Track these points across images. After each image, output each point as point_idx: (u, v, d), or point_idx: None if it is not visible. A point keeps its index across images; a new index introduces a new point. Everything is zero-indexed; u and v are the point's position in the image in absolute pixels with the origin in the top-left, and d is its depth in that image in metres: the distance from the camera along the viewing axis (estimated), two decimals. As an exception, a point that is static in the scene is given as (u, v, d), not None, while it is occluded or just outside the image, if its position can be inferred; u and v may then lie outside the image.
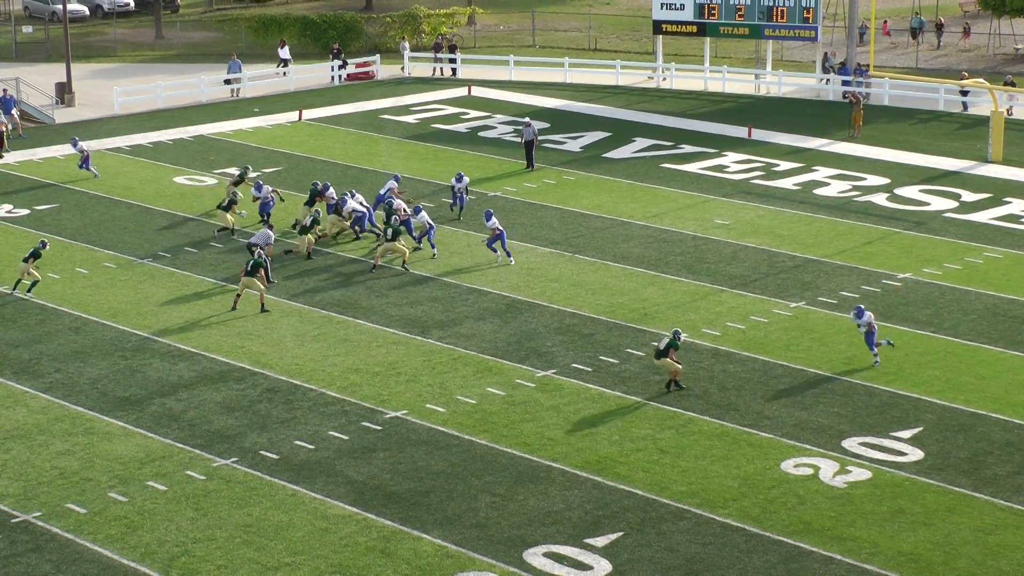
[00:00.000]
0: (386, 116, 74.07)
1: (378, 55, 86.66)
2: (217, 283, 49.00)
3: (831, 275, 48.84)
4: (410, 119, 73.51)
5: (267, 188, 54.63)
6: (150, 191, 60.33)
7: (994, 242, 52.02)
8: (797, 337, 43.56)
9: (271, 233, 50.05)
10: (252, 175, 58.77)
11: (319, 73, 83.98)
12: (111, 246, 53.08)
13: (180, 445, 37.38)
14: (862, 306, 41.11)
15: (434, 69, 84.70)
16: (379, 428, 38.16)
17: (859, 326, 40.95)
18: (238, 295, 46.31)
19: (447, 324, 44.91)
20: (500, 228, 49.21)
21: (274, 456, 36.70)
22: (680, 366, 39.37)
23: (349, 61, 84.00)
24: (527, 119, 64.23)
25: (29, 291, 47.53)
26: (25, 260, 47.41)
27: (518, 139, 64.41)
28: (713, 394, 39.53)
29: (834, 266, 49.77)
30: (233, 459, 36.61)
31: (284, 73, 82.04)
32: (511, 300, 46.57)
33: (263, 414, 39.08)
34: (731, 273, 49.20)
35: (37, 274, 47.72)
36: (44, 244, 48.27)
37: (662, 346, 39.38)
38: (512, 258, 49.53)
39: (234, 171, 60.70)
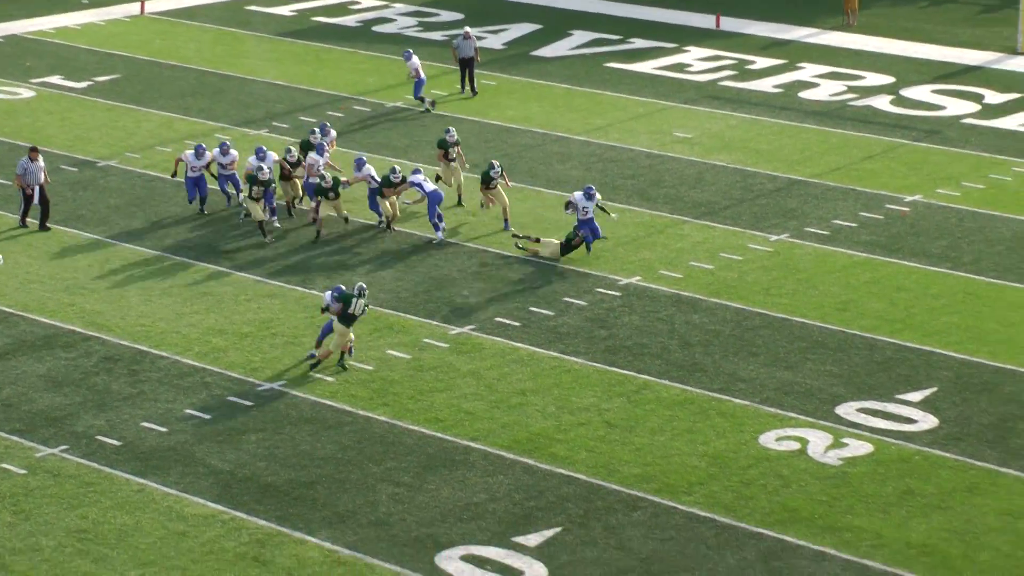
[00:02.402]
0: (253, 8, 74.00)
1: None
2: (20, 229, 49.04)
3: (822, 199, 49.34)
4: (284, 11, 73.46)
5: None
6: (-49, 109, 60.21)
7: (1026, 154, 52.80)
8: (779, 278, 44.03)
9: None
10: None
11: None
12: (-98, 180, 52.99)
13: (-5, 431, 37.57)
14: (594, 187, 46.25)
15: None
16: (250, 404, 38.34)
17: (576, 207, 45.52)
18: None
19: (335, 270, 45.06)
20: (375, 177, 48.67)
21: (115, 442, 36.81)
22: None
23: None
24: (466, 29, 62.31)
25: None
26: None
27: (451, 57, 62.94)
28: (674, 351, 39.93)
29: (825, 188, 50.28)
30: (62, 447, 36.72)
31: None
32: (417, 240, 46.71)
33: (100, 389, 39.17)
34: (696, 199, 49.60)
35: None
36: None
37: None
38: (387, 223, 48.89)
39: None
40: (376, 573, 31.70)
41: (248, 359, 40.43)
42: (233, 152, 50.32)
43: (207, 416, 37.82)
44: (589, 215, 44.86)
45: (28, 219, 48.82)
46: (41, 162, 48.46)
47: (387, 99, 59.95)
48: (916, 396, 37.71)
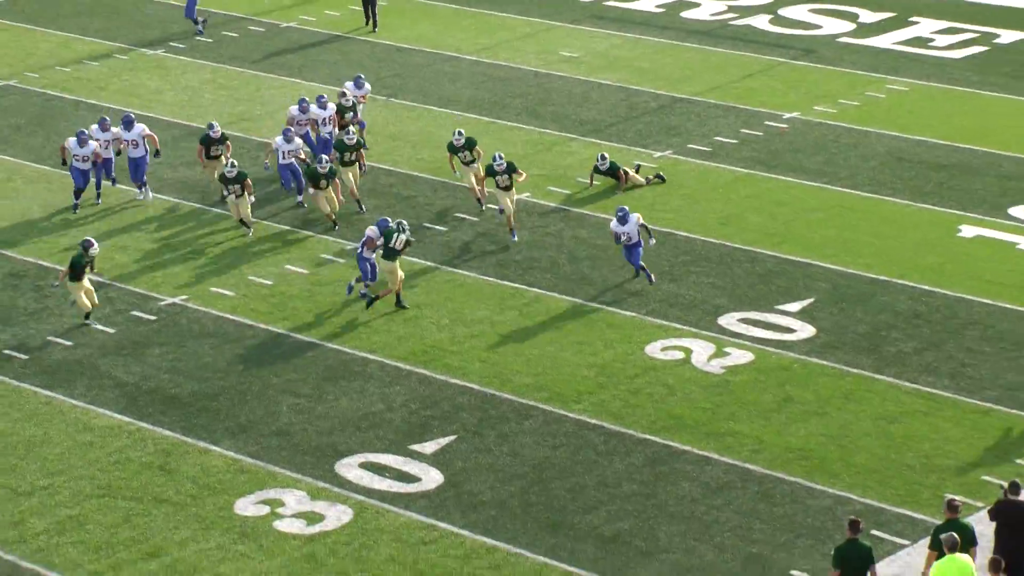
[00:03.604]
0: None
1: None
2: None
3: (703, 117, 49.67)
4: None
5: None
6: None
7: (899, 71, 53.16)
8: (663, 194, 44.36)
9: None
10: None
11: None
12: None
13: (-95, 346, 37.56)
14: (627, 207, 39.39)
15: None
16: (152, 318, 38.45)
17: (618, 237, 39.18)
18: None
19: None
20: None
21: (22, 356, 36.86)
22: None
23: None
24: None
25: None
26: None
27: None
28: (563, 266, 40.25)
29: (707, 105, 50.59)
30: (-26, 362, 36.84)
31: None
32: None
33: (6, 304, 39.16)
34: (582, 117, 49.83)
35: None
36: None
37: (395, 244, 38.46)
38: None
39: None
40: (278, 480, 31.97)
41: (150, 274, 40.51)
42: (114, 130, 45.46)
43: (111, 330, 37.92)
44: (633, 240, 38.83)
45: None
46: None
47: (281, 19, 59.78)
48: (795, 307, 38.20)
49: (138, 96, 52.42)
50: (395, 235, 38.21)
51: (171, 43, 57.34)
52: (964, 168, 45.54)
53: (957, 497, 27.93)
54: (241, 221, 42.37)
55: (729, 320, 37.66)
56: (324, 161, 42.40)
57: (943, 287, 38.88)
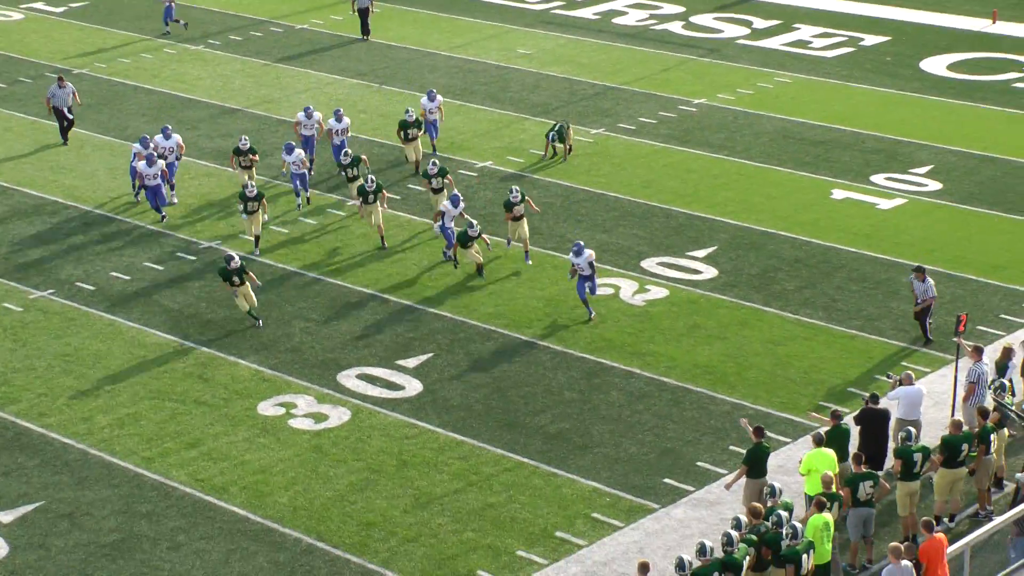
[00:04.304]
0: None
1: None
2: (26, 117, 48.17)
3: (630, 102, 49.35)
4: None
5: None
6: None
7: (784, 67, 52.86)
8: (598, 163, 44.10)
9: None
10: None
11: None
12: (-83, 82, 51.84)
13: (-4, 279, 37.12)
14: (582, 242, 34.67)
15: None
16: (193, 258, 38.08)
17: (574, 267, 34.45)
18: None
19: (261, 156, 44.60)
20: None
21: (90, 287, 36.51)
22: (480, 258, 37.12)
23: None
24: None
25: None
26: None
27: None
28: (518, 219, 39.97)
29: (632, 93, 50.26)
30: (50, 291, 36.36)
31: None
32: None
33: (78, 246, 38.77)
34: (534, 101, 49.48)
35: None
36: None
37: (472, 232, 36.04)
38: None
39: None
40: (292, 387, 31.75)
41: (192, 224, 40.11)
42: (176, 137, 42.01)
43: (161, 268, 37.56)
44: (586, 272, 34.22)
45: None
46: (69, 87, 45.94)
47: (297, 21, 59.24)
48: (701, 253, 38.01)
49: (183, 82, 51.81)
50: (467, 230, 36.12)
51: (209, 40, 56.67)
52: (835, 144, 45.30)
53: (840, 408, 27.82)
54: (256, 238, 38.03)
55: (649, 263, 37.45)
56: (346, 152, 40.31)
57: (819, 238, 38.69)
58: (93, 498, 27.86)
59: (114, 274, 37.15)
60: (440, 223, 37.50)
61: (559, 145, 44.18)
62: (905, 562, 22.84)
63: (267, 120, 47.78)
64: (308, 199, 41.04)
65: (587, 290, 34.37)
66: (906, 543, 23.76)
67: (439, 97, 44.64)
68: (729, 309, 35.01)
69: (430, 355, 33.08)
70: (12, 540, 26.60)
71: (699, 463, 28.64)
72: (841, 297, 35.41)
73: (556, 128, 44.04)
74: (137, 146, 40.91)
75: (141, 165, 39.64)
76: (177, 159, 41.69)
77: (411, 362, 32.79)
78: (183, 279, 36.88)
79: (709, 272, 36.90)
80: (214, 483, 28.28)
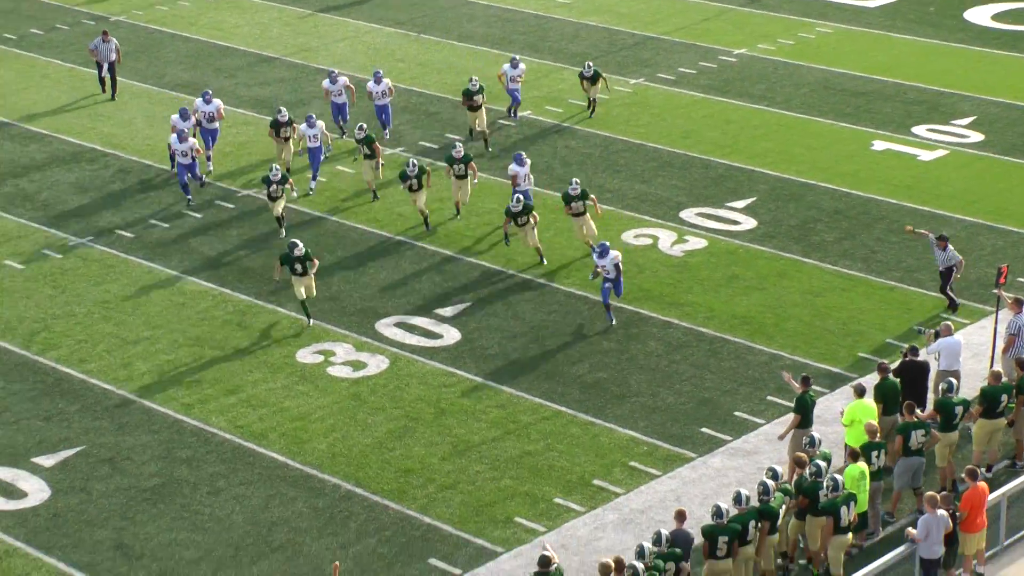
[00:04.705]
0: None
1: None
2: (64, 65, 48.50)
3: (669, 52, 49.37)
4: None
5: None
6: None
7: (826, 17, 52.74)
8: (637, 113, 44.21)
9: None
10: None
11: None
12: (-45, 29, 52.23)
13: (35, 225, 37.43)
14: (607, 243, 32.62)
15: None
16: (232, 207, 38.41)
17: (597, 269, 32.40)
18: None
19: (295, 104, 44.91)
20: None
21: (129, 235, 36.88)
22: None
23: None
24: None
25: None
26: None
27: None
28: (556, 169, 40.12)
29: (672, 43, 50.28)
30: (89, 237, 36.76)
31: None
32: (357, 81, 46.49)
33: (117, 194, 39.13)
34: (573, 51, 49.53)
35: None
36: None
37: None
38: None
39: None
40: (330, 335, 32.07)
41: (230, 172, 40.41)
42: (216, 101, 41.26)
43: (199, 215, 37.90)
44: (611, 274, 32.16)
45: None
46: (113, 43, 45.59)
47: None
48: (740, 203, 38.14)
49: (220, 30, 52.07)
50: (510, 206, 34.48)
51: (246, -12, 56.92)
52: (877, 95, 45.29)
53: (887, 361, 28.03)
54: (277, 219, 36.87)
55: (688, 214, 37.61)
56: (363, 128, 38.24)
57: (859, 189, 38.78)
58: (133, 443, 28.30)
59: (153, 222, 37.52)
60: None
61: (590, 86, 43.69)
62: (941, 511, 23.09)
63: (304, 68, 48.02)
64: (312, 189, 38.99)
65: (612, 294, 32.31)
66: (943, 493, 24.00)
67: (522, 65, 43.10)
68: (768, 260, 35.17)
69: (468, 304, 33.36)
70: (54, 484, 27.06)
71: (736, 413, 28.90)
72: (881, 248, 35.54)
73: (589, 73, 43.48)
74: (175, 117, 39.71)
75: (172, 139, 38.64)
76: (213, 124, 40.65)
77: (449, 311, 33.08)
78: (221, 227, 37.21)
79: (748, 223, 37.05)
80: (253, 429, 28.68)
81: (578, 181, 35.04)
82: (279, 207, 36.67)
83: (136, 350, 31.64)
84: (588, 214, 34.95)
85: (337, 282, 34.38)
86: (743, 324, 32.29)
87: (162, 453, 27.98)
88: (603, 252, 32.04)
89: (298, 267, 32.29)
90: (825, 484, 23.60)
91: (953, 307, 32.34)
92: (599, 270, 32.20)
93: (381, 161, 38.52)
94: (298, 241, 32.60)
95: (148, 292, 34.10)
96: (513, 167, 36.76)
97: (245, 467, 27.53)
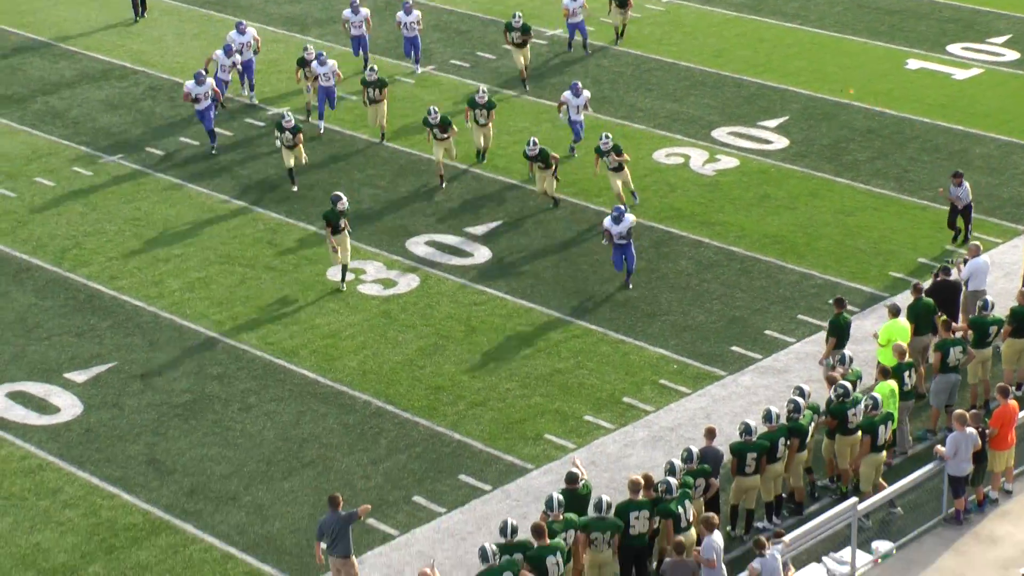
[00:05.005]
0: None
1: None
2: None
3: (702, -30, 49.12)
4: None
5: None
6: None
7: (861, -64, 52.45)
8: (669, 32, 44.05)
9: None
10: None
11: None
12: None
13: (66, 142, 37.58)
14: (623, 207, 30.57)
15: None
16: (262, 124, 38.46)
17: (608, 232, 30.41)
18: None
19: (326, 22, 44.89)
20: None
21: (160, 152, 36.99)
22: None
23: None
24: None
25: None
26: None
27: None
28: (587, 87, 39.84)
29: (705, -39, 50.01)
30: (119, 155, 36.89)
31: None
32: (381, 8, 46.49)
33: (146, 112, 39.23)
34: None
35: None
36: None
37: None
38: None
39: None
40: (361, 253, 32.15)
41: (260, 90, 40.43)
42: (250, 30, 39.85)
43: (230, 133, 37.96)
44: (622, 240, 30.26)
45: None
46: None
47: None
48: (773, 123, 38.07)
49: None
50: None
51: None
52: (911, 13, 45.04)
53: (920, 281, 27.99)
54: (289, 173, 34.99)
55: (720, 133, 37.56)
56: (373, 71, 36.79)
57: (892, 108, 38.66)
58: (165, 359, 28.52)
59: (183, 139, 37.60)
60: (566, 117, 36.18)
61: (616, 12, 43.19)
62: (970, 429, 23.18)
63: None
64: (323, 128, 37.78)
65: (624, 262, 30.48)
66: (972, 410, 24.08)
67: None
68: (800, 179, 35.14)
69: (499, 223, 33.42)
70: (86, 399, 27.33)
71: (767, 331, 28.97)
72: (913, 168, 35.46)
73: None
74: (219, 53, 38.75)
75: (189, 84, 36.49)
76: (255, 53, 39.68)
77: (480, 229, 33.15)
78: (251, 145, 37.28)
79: (780, 142, 36.99)
80: (284, 346, 28.87)
81: (609, 135, 33.30)
82: (291, 158, 34.81)
83: (167, 267, 31.83)
84: (625, 168, 33.31)
85: (367, 200, 34.46)
86: (774, 243, 32.30)
87: (193, 369, 28.21)
88: (619, 217, 30.09)
89: (342, 223, 30.55)
90: (864, 403, 23.66)
91: (956, 239, 31.92)
92: (611, 235, 30.14)
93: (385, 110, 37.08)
94: (341, 194, 31.09)
95: (179, 209, 34.24)
96: (566, 94, 35.99)
97: (276, 384, 27.74)
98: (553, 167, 33.74)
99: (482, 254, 32.15)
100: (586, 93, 36.05)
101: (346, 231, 30.77)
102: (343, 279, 30.93)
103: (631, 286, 30.63)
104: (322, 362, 28.36)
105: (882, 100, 39.12)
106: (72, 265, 31.94)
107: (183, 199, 34.72)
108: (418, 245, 32.55)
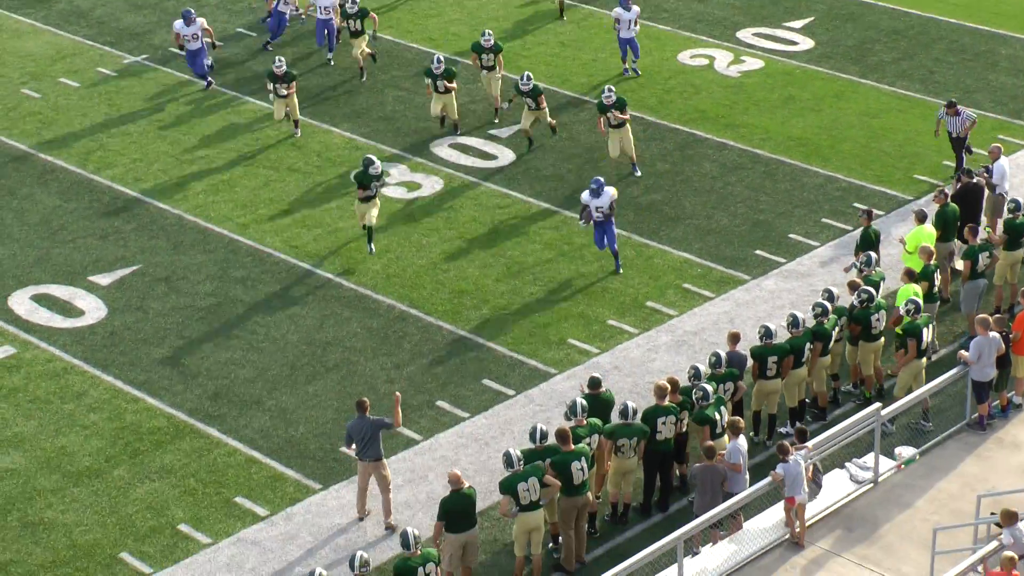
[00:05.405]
0: None
1: None
2: None
3: None
4: None
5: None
6: None
7: None
8: (694, -70, 43.54)
9: None
10: None
11: None
12: None
13: (90, 43, 37.30)
14: (602, 179, 27.60)
15: None
16: (286, 26, 38.10)
17: (586, 209, 27.47)
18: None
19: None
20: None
21: (183, 53, 36.45)
22: None
23: None
24: None
25: None
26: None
27: None
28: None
29: None
30: (144, 56, 36.62)
31: None
32: None
33: (172, 12, 38.83)
34: None
35: None
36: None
37: None
38: None
39: None
40: (384, 155, 31.92)
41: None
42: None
43: (254, 34, 37.65)
44: (600, 217, 27.34)
45: None
46: None
47: None
48: (798, 24, 37.65)
49: None
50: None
51: None
52: (938, -88, 44.46)
53: (947, 187, 27.67)
54: (287, 115, 32.73)
55: (745, 34, 37.16)
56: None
57: (917, 9, 38.17)
58: (189, 262, 28.40)
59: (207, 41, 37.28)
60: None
61: None
62: (993, 333, 22.97)
63: None
64: (331, 59, 36.12)
65: (605, 242, 27.59)
66: (996, 315, 23.86)
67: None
68: (825, 81, 34.76)
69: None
70: (110, 302, 27.24)
71: (791, 235, 28.73)
72: (939, 69, 35.04)
73: None
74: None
75: (177, 24, 34.35)
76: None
77: (504, 131, 32.88)
78: (281, 48, 36.93)
79: (805, 43, 36.57)
80: (308, 250, 28.72)
81: (612, 88, 30.32)
82: (282, 109, 32.62)
83: (191, 169, 31.65)
84: (628, 126, 30.65)
85: (391, 102, 34.19)
86: (799, 146, 32.00)
87: (217, 272, 28.09)
88: (598, 190, 27.26)
89: (373, 187, 28.31)
90: (905, 308, 23.42)
91: (959, 165, 29.98)
92: (589, 212, 27.28)
93: (375, 33, 36.12)
94: (374, 157, 28.54)
95: (203, 111, 34.01)
96: (617, 10, 34.78)
97: (299, 287, 27.62)
98: (543, 106, 31.62)
99: (506, 156, 31.91)
100: (636, 8, 34.66)
101: (376, 199, 28.39)
102: (370, 240, 28.49)
103: (621, 271, 27.79)
104: (346, 265, 28.21)
105: (907, 0, 38.59)
106: (96, 167, 31.77)
107: (207, 100, 34.46)
108: (442, 147, 32.31)
